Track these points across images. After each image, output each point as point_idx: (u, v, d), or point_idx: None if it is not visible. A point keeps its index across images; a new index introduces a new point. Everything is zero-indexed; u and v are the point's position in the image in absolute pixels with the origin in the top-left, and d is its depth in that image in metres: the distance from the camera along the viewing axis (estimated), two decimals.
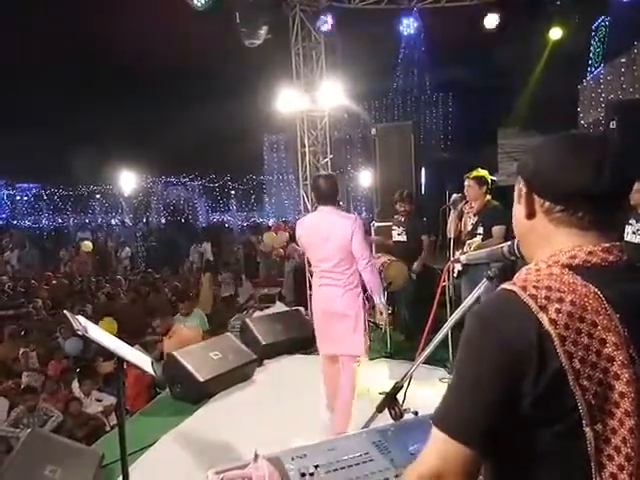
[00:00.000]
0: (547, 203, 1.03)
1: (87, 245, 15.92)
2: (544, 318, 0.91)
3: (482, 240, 4.68)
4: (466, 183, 4.84)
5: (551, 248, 1.02)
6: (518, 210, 1.10)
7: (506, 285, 1.00)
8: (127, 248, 17.76)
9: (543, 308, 0.92)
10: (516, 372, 0.91)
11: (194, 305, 7.23)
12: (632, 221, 4.46)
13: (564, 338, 0.90)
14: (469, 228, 4.86)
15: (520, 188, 1.08)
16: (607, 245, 1.00)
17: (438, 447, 0.97)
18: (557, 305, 0.92)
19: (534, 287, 0.95)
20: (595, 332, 0.91)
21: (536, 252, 1.07)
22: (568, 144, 1.03)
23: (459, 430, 0.95)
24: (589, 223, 1.00)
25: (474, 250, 4.45)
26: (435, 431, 0.98)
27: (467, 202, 4.90)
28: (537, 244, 1.07)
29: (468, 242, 4.80)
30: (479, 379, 0.95)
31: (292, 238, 11.05)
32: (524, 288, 0.96)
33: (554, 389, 0.90)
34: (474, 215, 4.84)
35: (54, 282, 12.11)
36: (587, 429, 0.91)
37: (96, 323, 2.86)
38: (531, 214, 1.06)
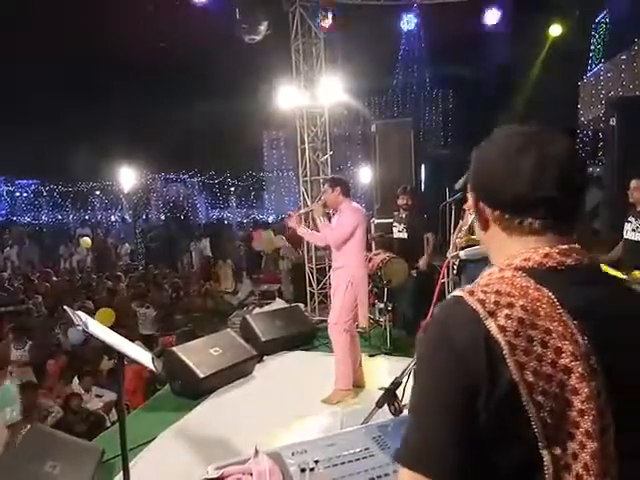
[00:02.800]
0: (496, 212, 0.96)
1: (86, 241, 15.90)
2: (492, 325, 0.82)
3: None
4: None
5: (508, 254, 0.95)
6: (475, 221, 1.03)
7: (457, 291, 0.91)
8: (127, 244, 17.75)
9: (492, 314, 0.83)
10: (470, 387, 0.81)
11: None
12: (631, 219, 4.46)
13: (514, 347, 0.80)
14: (468, 224, 4.86)
15: (470, 197, 1.03)
16: (564, 247, 0.91)
17: None
18: (507, 311, 0.83)
19: (482, 291, 0.87)
20: (549, 340, 0.81)
21: (497, 261, 0.99)
22: (504, 148, 0.96)
23: (422, 463, 0.82)
24: (542, 227, 0.92)
25: (464, 243, 4.47)
26: (399, 468, 0.85)
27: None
28: (496, 255, 0.99)
29: (456, 236, 4.80)
30: (438, 400, 0.84)
31: (289, 241, 11.04)
32: (472, 293, 0.87)
33: (507, 405, 0.80)
34: None
35: (54, 278, 12.11)
36: (544, 452, 0.79)
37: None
38: (485, 224, 0.99)
